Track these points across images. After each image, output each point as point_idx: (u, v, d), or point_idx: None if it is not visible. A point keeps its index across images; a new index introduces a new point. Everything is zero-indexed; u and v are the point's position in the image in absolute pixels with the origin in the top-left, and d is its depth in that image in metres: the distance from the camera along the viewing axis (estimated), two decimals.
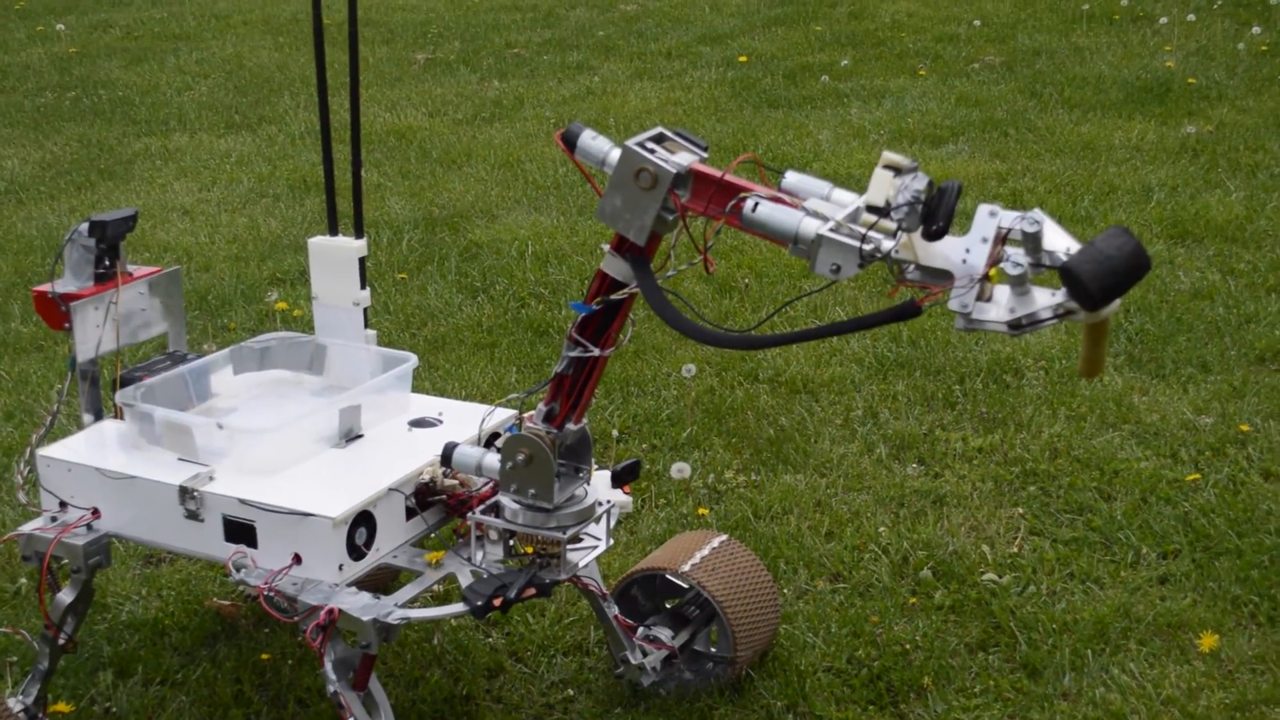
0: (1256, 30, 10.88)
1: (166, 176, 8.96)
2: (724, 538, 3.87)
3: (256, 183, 8.71)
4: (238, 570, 3.18)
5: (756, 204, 2.82)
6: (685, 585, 3.77)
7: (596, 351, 3.07)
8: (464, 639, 4.04)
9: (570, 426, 3.15)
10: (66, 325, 3.53)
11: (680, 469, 4.63)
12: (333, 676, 3.09)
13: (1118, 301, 2.64)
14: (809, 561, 4.36)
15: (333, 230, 3.80)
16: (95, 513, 3.39)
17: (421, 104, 10.50)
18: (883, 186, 2.74)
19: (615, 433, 5.16)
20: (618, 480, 3.40)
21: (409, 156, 9.10)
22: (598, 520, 3.29)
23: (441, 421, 3.56)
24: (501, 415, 3.49)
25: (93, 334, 3.57)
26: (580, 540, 3.27)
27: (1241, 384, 5.42)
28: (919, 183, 2.72)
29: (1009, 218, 2.67)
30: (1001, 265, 2.66)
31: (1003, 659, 3.91)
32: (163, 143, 9.77)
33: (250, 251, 7.42)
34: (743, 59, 11.18)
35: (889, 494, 4.74)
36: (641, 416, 5.31)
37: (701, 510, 4.66)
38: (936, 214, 2.67)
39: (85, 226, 3.58)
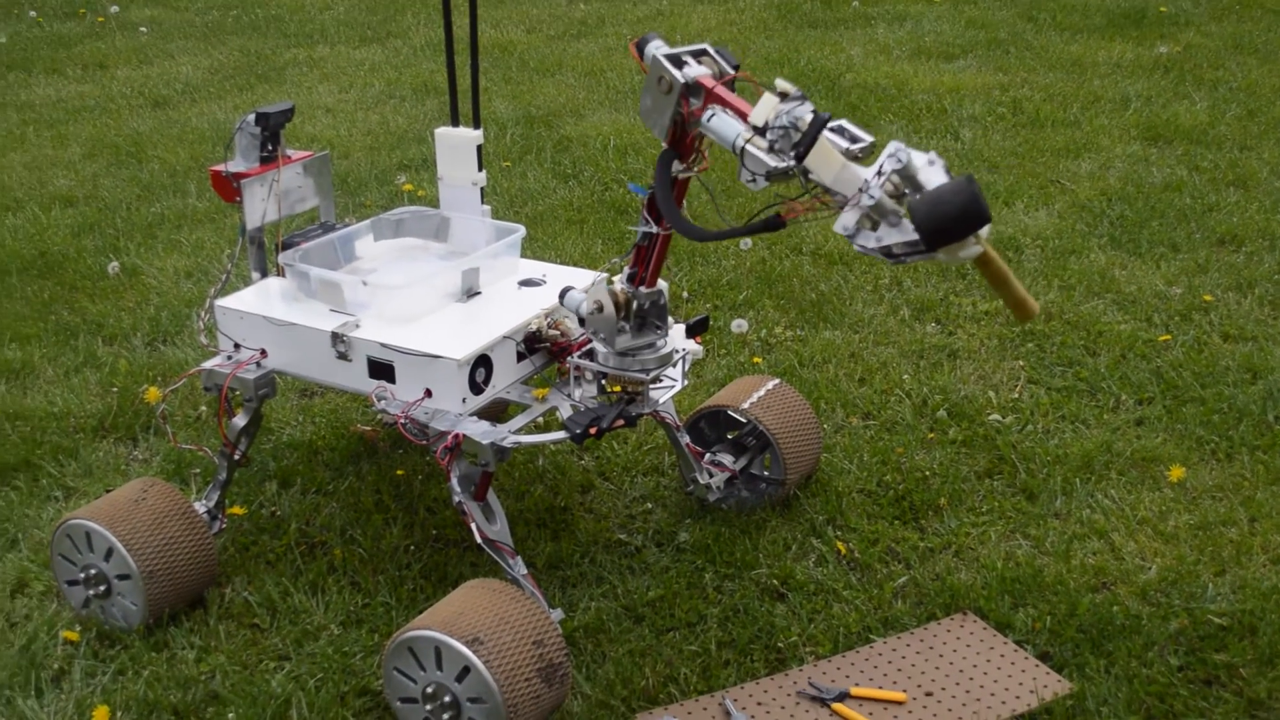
0: None
1: (312, 80, 8.87)
2: (776, 381, 3.81)
3: (386, 86, 8.62)
4: (379, 401, 3.15)
5: (713, 115, 2.69)
6: (744, 420, 3.73)
7: (655, 229, 3.00)
8: (561, 461, 4.02)
9: (643, 289, 3.08)
10: (237, 199, 3.49)
11: (739, 325, 4.56)
12: (458, 489, 3.07)
13: (976, 247, 2.43)
14: (845, 402, 4.30)
15: (454, 122, 3.73)
16: (263, 353, 3.37)
17: (520, 22, 10.35)
18: (765, 109, 2.61)
19: (685, 294, 5.09)
20: (690, 332, 3.35)
21: (510, 65, 8.98)
22: (674, 364, 3.24)
23: (545, 282, 3.50)
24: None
25: (259, 206, 3.52)
26: (660, 381, 3.22)
27: (1205, 261, 5.30)
28: (801, 110, 2.59)
29: (905, 156, 2.47)
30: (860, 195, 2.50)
31: (1005, 484, 3.85)
32: (308, 53, 9.67)
33: (381, 142, 7.36)
34: None
35: (911, 348, 4.67)
36: (706, 281, 5.23)
37: (756, 359, 4.60)
38: (800, 142, 2.54)
39: (252, 117, 3.53)
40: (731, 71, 2.82)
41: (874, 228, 2.49)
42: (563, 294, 3.25)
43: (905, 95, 7.84)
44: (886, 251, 2.51)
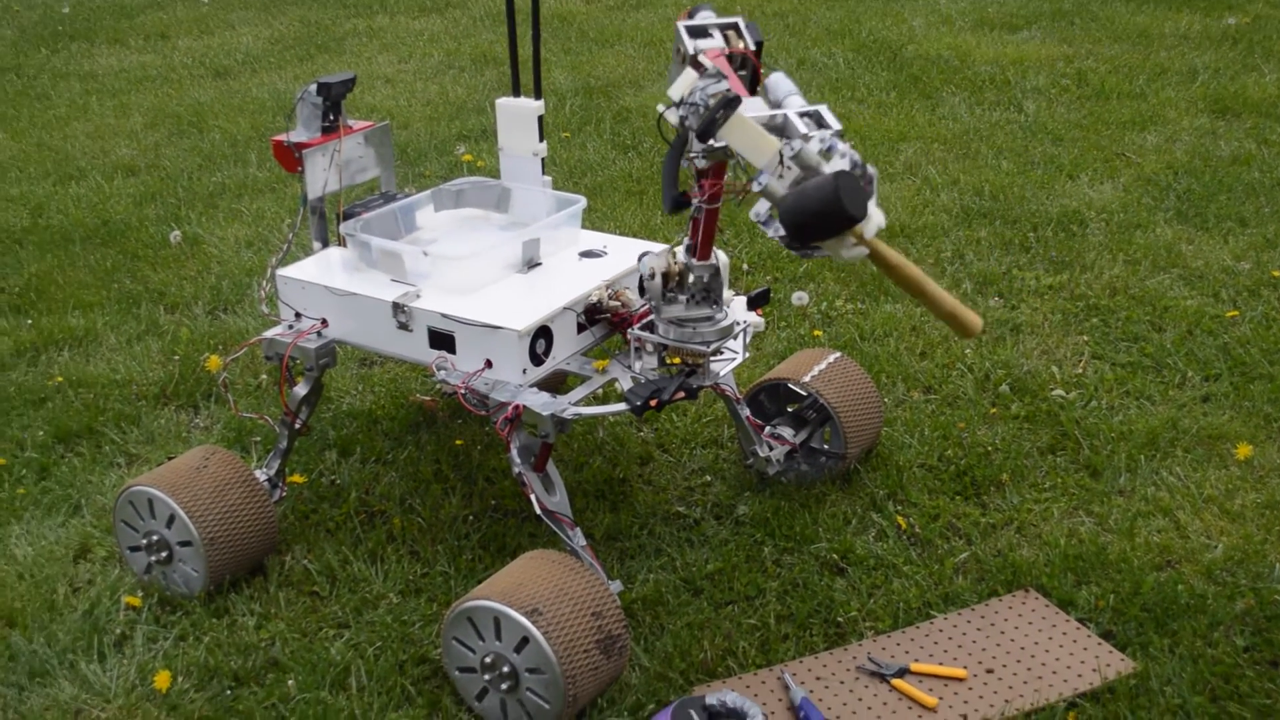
0: None
1: (372, 51, 8.88)
2: (838, 355, 3.78)
3: (445, 57, 8.62)
4: (440, 371, 3.15)
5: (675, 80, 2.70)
6: (805, 393, 3.70)
7: (697, 200, 2.96)
8: (620, 433, 4.01)
9: (695, 261, 3.06)
10: (299, 169, 3.49)
11: (800, 297, 4.52)
12: (517, 460, 3.06)
13: (858, 249, 2.41)
14: (906, 376, 4.26)
15: (515, 92, 3.71)
16: (324, 322, 3.37)
17: None
18: (683, 84, 2.60)
19: (745, 266, 5.06)
20: (752, 304, 3.32)
21: (570, 36, 8.95)
22: (735, 337, 3.21)
23: (606, 253, 3.48)
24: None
25: (320, 176, 3.52)
26: (721, 353, 3.20)
27: (1274, 236, 5.20)
28: (715, 88, 2.56)
29: (798, 145, 2.47)
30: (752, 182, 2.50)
31: (1069, 461, 3.81)
32: (368, 23, 9.68)
33: (440, 113, 7.35)
34: None
35: None
36: (766, 253, 5.20)
37: (816, 332, 4.57)
38: (703, 119, 2.52)
39: (314, 87, 3.53)
40: (751, 46, 2.80)
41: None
42: (641, 256, 3.24)
43: (968, 67, 7.75)
44: (785, 243, 2.49)
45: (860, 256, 2.47)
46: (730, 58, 2.76)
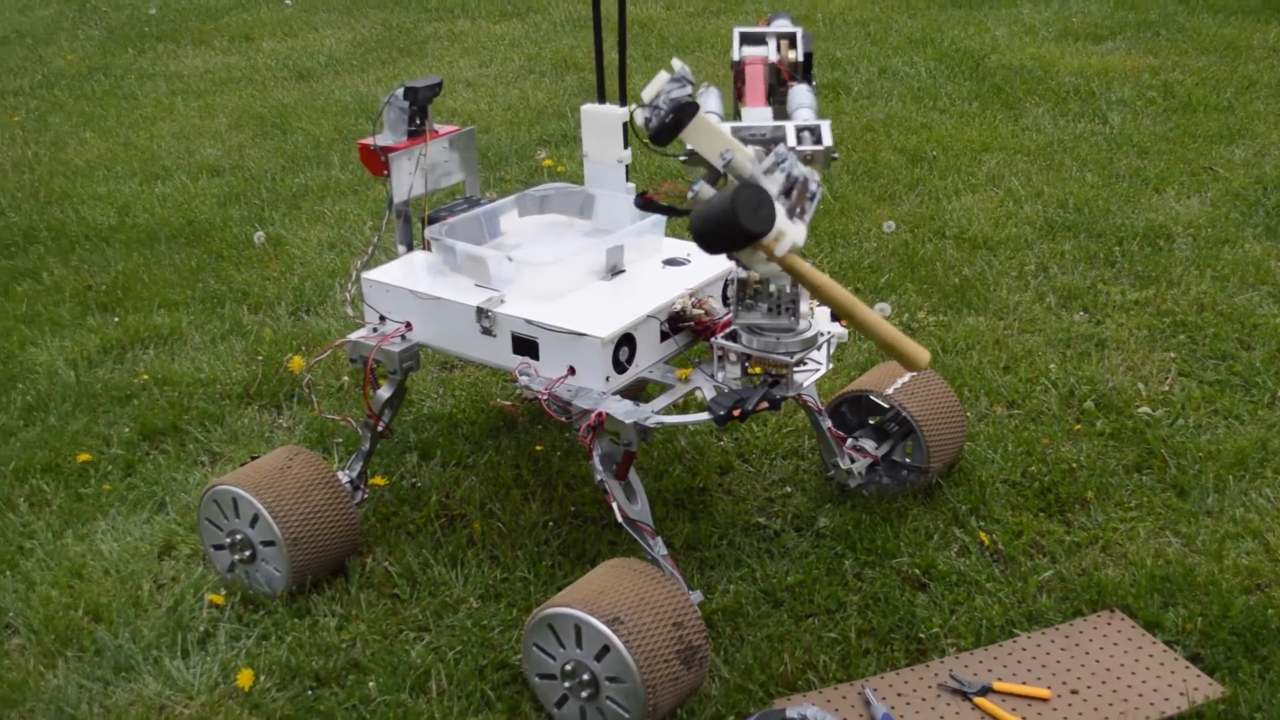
0: None
1: (453, 54, 8.93)
2: None
3: (526, 61, 8.65)
4: (522, 377, 3.15)
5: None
6: (888, 406, 3.67)
7: None
8: (700, 442, 3.99)
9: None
10: (385, 172, 3.51)
11: (882, 308, 4.44)
12: (599, 468, 3.06)
13: (768, 264, 2.46)
14: (989, 390, 4.22)
15: (601, 99, 3.71)
16: (408, 326, 3.39)
17: None
18: (655, 86, 2.60)
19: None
20: (835, 315, 3.30)
21: (650, 42, 8.95)
22: (819, 347, 3.19)
23: (689, 261, 3.47)
24: None
25: (406, 180, 3.54)
26: (804, 364, 3.18)
27: None
28: (678, 93, 2.56)
29: (730, 155, 2.51)
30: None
31: (1155, 480, 3.75)
32: (449, 27, 9.74)
33: (521, 117, 7.38)
34: None
35: (1057, 336, 4.56)
36: (846, 264, 5.17)
37: None
38: (657, 123, 2.54)
39: (400, 91, 3.55)
40: (797, 56, 2.80)
41: None
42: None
43: (1052, 77, 7.67)
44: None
45: (774, 273, 2.52)
46: (771, 67, 2.79)
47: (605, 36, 3.75)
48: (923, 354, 2.66)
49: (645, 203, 2.82)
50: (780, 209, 2.49)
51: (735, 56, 2.76)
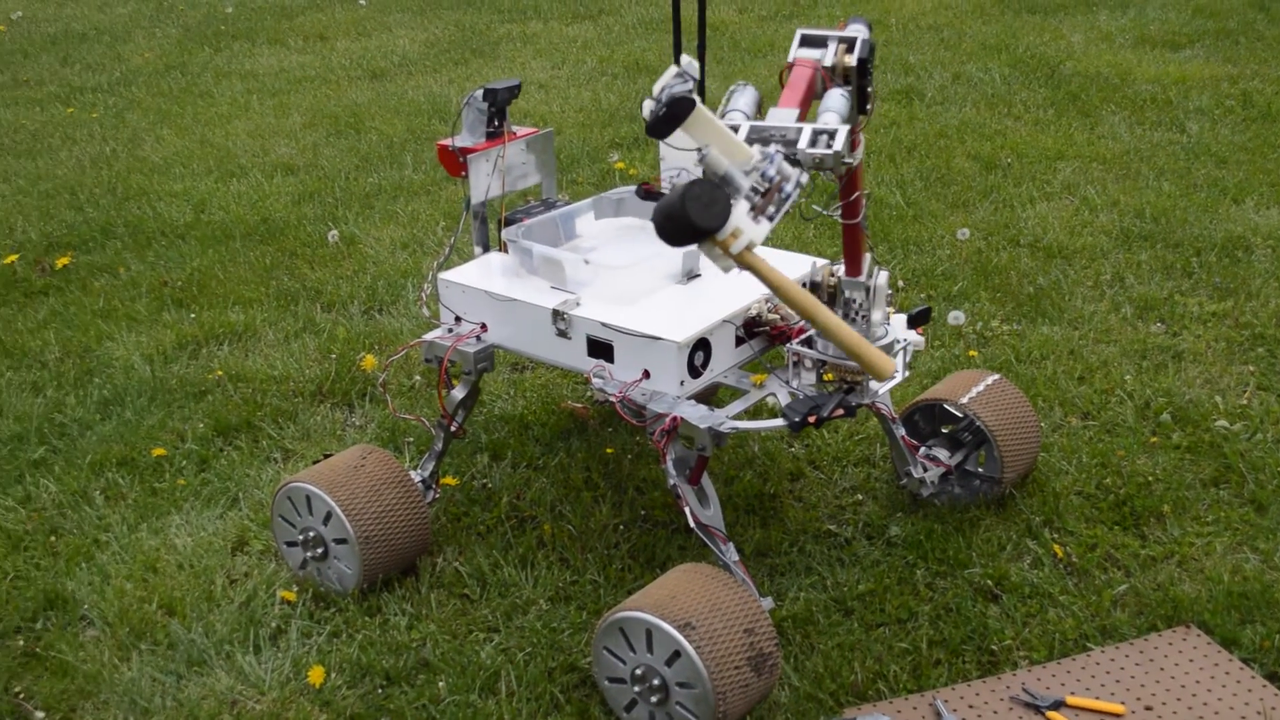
0: None
1: (525, 56, 8.96)
2: (996, 377, 3.72)
3: (598, 63, 8.66)
4: (597, 380, 3.16)
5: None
6: (961, 415, 3.64)
7: (825, 213, 2.98)
8: (771, 448, 3.98)
9: (844, 276, 3.08)
10: (463, 174, 3.52)
11: (956, 316, 4.45)
12: (673, 472, 3.05)
13: (726, 260, 2.49)
14: (1063, 401, 4.17)
15: None
16: (483, 327, 3.40)
17: (732, 2, 10.30)
18: (662, 80, 2.63)
19: (900, 283, 5.01)
20: (912, 323, 3.29)
21: (722, 45, 8.93)
22: (895, 355, 3.18)
23: None
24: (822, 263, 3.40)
25: (483, 181, 3.55)
26: None
27: None
28: (679, 87, 2.58)
29: (706, 151, 2.53)
30: None
31: (1233, 494, 3.70)
32: (522, 28, 9.77)
33: (593, 120, 7.39)
34: None
35: (1133, 347, 4.51)
36: (920, 270, 5.14)
37: (971, 353, 4.50)
38: (652, 117, 2.54)
39: (480, 93, 3.56)
40: (849, 61, 2.81)
41: None
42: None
43: (1128, 85, 7.59)
44: None
45: (730, 269, 2.55)
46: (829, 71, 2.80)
47: (684, 40, 3.75)
48: (888, 363, 2.69)
49: (646, 193, 2.84)
50: (742, 207, 2.50)
51: (790, 57, 2.77)
